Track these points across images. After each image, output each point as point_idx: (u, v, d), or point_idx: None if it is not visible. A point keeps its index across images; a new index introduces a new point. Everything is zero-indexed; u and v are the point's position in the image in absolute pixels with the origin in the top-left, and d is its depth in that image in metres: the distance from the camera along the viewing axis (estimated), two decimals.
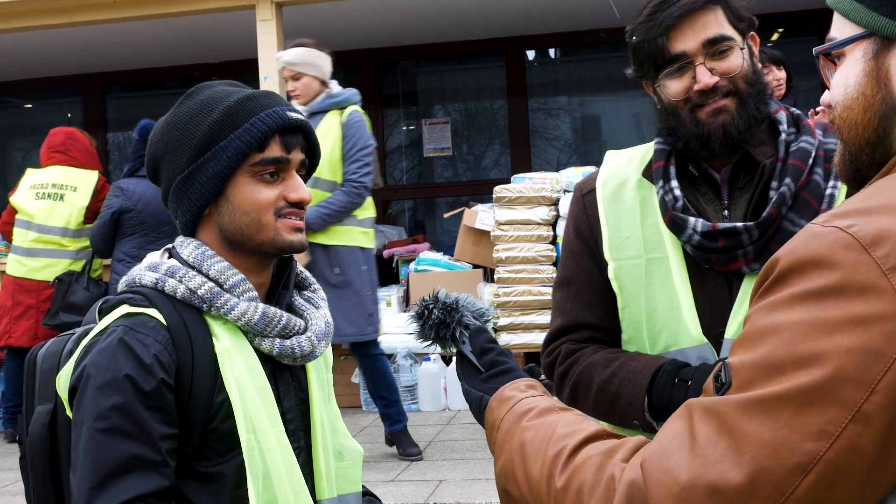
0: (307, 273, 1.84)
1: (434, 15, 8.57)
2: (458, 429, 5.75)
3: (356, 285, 4.93)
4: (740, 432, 0.89)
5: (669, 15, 1.66)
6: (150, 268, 1.65)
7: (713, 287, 1.71)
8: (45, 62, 9.41)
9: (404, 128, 10.40)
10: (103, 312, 1.63)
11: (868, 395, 0.86)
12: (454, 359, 1.43)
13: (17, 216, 6.18)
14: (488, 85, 10.18)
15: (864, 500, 0.88)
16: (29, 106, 10.90)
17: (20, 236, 6.14)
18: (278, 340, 1.64)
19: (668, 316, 1.72)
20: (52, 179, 6.15)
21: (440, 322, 1.41)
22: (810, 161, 1.71)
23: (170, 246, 1.71)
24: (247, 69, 7.87)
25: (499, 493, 1.19)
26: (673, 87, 1.71)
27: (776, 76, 5.59)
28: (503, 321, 6.22)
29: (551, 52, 10.20)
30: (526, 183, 6.46)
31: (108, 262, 6.06)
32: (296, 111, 1.67)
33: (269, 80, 6.56)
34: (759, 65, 1.75)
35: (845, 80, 1.09)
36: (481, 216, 6.74)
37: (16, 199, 6.19)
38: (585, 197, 1.88)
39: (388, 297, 6.83)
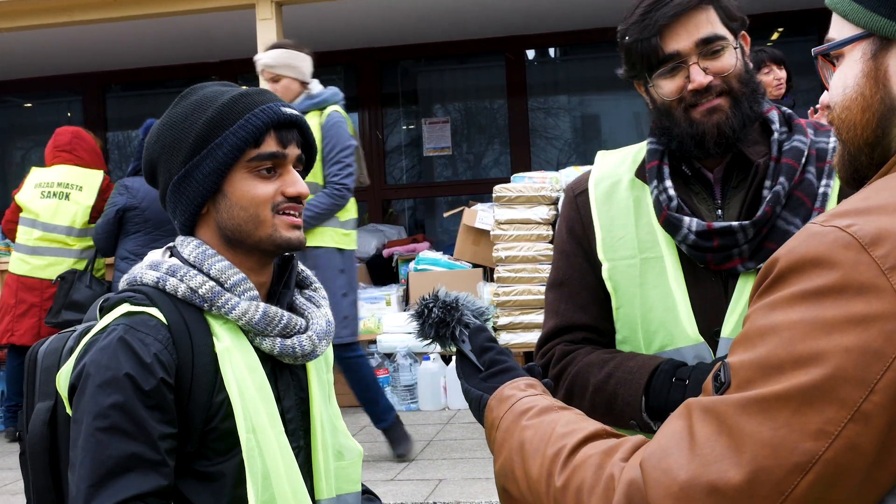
0: (308, 272, 1.84)
1: (434, 14, 8.57)
2: (457, 428, 5.75)
3: (331, 288, 4.92)
4: (739, 432, 0.89)
5: (663, 14, 1.66)
6: (152, 266, 1.65)
7: (708, 286, 1.71)
8: (45, 61, 9.41)
9: (404, 127, 10.40)
10: (104, 310, 1.63)
11: (867, 395, 0.86)
12: (454, 358, 1.43)
13: (21, 214, 6.17)
14: (488, 84, 10.18)
15: (863, 500, 0.88)
16: (29, 105, 10.90)
17: (24, 234, 6.14)
18: (279, 340, 1.64)
19: (663, 315, 1.72)
20: (57, 178, 6.15)
21: (440, 321, 1.41)
22: (803, 160, 1.71)
23: (171, 245, 1.71)
24: (247, 68, 7.85)
25: (498, 493, 1.19)
26: (667, 87, 1.71)
27: (777, 75, 5.59)
28: (503, 320, 6.22)
29: (551, 51, 10.21)
30: (526, 182, 6.46)
31: (110, 260, 6.06)
32: (290, 107, 1.68)
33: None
34: (751, 64, 1.75)
35: (844, 81, 1.09)
36: (481, 215, 6.74)
37: (21, 197, 6.19)
38: (578, 197, 1.87)
39: (388, 296, 6.83)
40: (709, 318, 1.70)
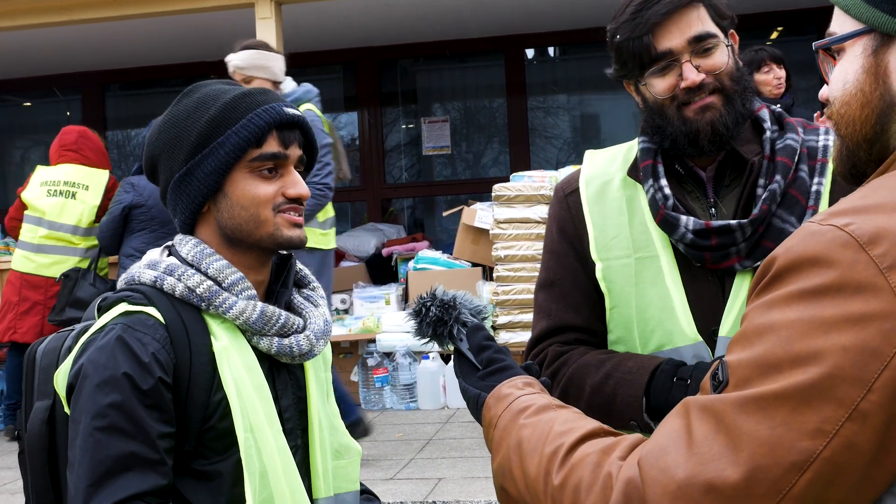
0: (306, 271, 1.84)
1: (433, 13, 8.57)
2: (457, 427, 5.75)
3: None
4: (737, 430, 0.89)
5: (655, 13, 1.66)
6: (150, 265, 1.65)
7: (705, 285, 1.71)
8: (45, 60, 9.41)
9: (403, 126, 10.40)
10: (102, 310, 1.63)
11: (865, 394, 0.86)
12: (453, 357, 1.43)
13: (26, 212, 6.17)
14: (487, 83, 10.18)
15: (860, 499, 0.88)
16: (28, 104, 10.90)
17: (30, 232, 6.13)
18: (276, 339, 1.64)
19: (660, 315, 1.71)
20: (63, 177, 6.15)
21: (438, 319, 1.41)
22: (796, 158, 1.71)
23: (169, 244, 1.71)
24: None
25: (496, 491, 1.19)
26: (659, 86, 1.70)
27: (777, 74, 5.59)
28: (502, 319, 6.22)
29: (550, 50, 10.21)
30: (525, 181, 6.45)
31: (114, 259, 6.06)
32: (292, 107, 1.67)
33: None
34: (741, 62, 1.75)
35: (844, 76, 1.09)
36: (480, 214, 6.74)
37: (27, 194, 6.18)
38: (568, 197, 1.86)
39: (387, 295, 6.83)
40: (706, 317, 1.69)
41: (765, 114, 1.77)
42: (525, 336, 6.14)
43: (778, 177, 1.69)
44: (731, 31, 1.75)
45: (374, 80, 10.03)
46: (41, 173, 6.25)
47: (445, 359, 6.33)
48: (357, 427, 4.93)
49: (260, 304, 1.63)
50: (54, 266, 6.07)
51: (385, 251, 7.74)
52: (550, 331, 1.84)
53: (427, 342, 1.45)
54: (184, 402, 1.55)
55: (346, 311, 7.00)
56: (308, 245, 5.09)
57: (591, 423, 1.10)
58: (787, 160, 1.70)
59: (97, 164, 6.28)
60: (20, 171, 10.70)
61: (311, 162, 1.73)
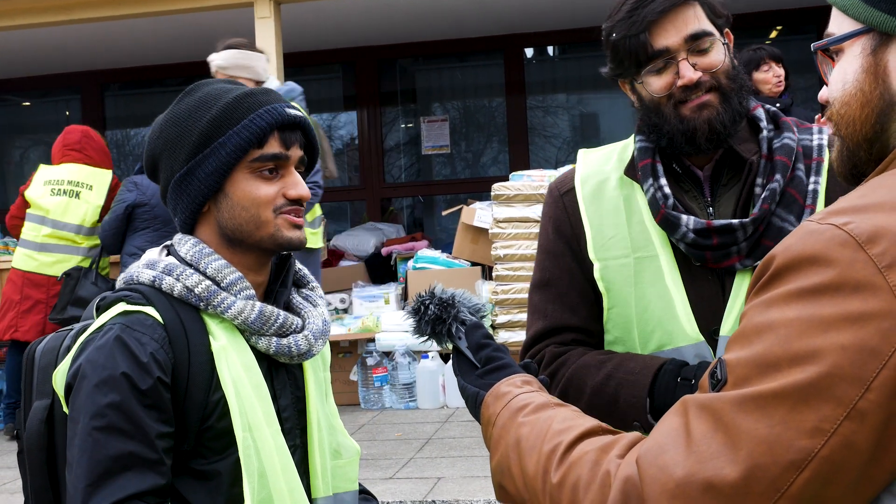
0: (306, 271, 1.84)
1: (433, 13, 8.57)
2: (456, 426, 5.75)
3: None
4: (736, 429, 0.89)
5: (651, 11, 1.66)
6: (148, 265, 1.64)
7: (705, 285, 1.71)
8: (44, 60, 9.41)
9: (402, 125, 10.40)
10: (101, 309, 1.63)
11: (863, 393, 0.86)
12: (452, 355, 1.43)
13: (29, 210, 6.17)
14: (487, 83, 10.18)
15: (858, 497, 0.88)
16: (27, 104, 10.89)
17: (32, 231, 6.13)
18: (275, 339, 1.64)
19: (661, 315, 1.70)
20: (67, 176, 6.15)
21: (436, 318, 1.41)
22: (793, 157, 1.71)
23: (168, 243, 1.71)
24: None
25: (494, 489, 1.19)
26: (656, 84, 1.70)
27: (776, 73, 5.59)
28: (501, 318, 6.22)
29: (549, 49, 10.20)
30: (524, 181, 6.45)
31: (116, 258, 6.06)
32: (294, 108, 1.67)
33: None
34: (737, 61, 1.75)
35: (843, 76, 1.09)
36: (479, 214, 6.74)
37: (30, 193, 6.18)
38: (564, 196, 1.85)
39: (387, 294, 6.83)
40: (706, 316, 1.69)
41: (760, 113, 1.77)
42: (524, 335, 6.14)
43: (778, 176, 1.69)
44: (727, 29, 1.75)
45: (374, 80, 10.03)
46: (44, 172, 6.25)
47: (444, 358, 6.33)
48: None
49: (258, 303, 1.63)
50: (57, 265, 6.07)
51: (384, 250, 7.74)
52: (547, 331, 1.83)
53: (426, 340, 1.45)
54: (182, 402, 1.55)
55: (345, 311, 6.99)
56: None
57: (590, 421, 1.10)
58: (785, 159, 1.70)
59: (100, 164, 6.29)
60: (19, 170, 10.70)
61: (312, 162, 1.73)
